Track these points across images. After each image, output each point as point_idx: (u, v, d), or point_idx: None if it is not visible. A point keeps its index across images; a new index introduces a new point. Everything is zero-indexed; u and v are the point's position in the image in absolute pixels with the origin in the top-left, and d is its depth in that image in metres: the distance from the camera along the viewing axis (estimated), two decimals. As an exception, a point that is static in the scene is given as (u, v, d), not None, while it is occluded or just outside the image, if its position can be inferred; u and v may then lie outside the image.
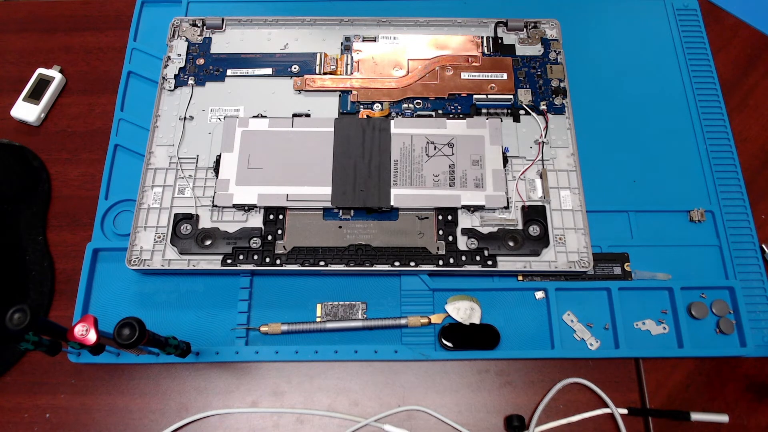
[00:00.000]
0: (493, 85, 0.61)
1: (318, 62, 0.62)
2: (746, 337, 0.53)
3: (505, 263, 0.54)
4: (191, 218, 0.55)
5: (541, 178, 0.57)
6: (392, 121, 0.58)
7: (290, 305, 0.55)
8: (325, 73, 0.62)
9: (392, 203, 0.55)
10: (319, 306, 0.55)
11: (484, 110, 0.60)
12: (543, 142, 0.58)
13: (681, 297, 0.55)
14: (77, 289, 0.55)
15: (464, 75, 0.62)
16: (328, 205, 0.55)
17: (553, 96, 0.61)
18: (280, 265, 0.54)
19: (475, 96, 0.61)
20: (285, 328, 0.53)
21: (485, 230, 0.55)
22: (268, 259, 0.54)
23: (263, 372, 0.53)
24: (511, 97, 0.60)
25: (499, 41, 0.64)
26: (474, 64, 0.62)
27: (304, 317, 0.54)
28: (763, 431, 0.52)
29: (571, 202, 0.56)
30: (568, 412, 0.52)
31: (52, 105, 0.65)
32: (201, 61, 0.62)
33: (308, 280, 0.56)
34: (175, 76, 0.61)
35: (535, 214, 0.56)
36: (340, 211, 0.56)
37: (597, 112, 0.63)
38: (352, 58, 0.63)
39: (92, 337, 0.40)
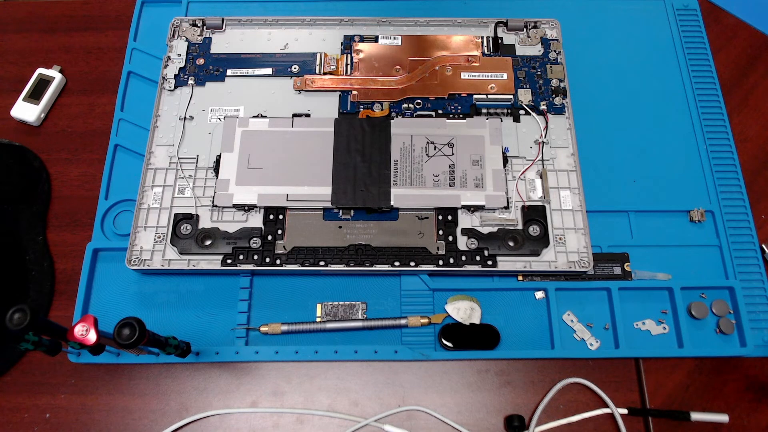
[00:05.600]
0: (493, 85, 0.61)
1: (318, 62, 0.62)
2: (746, 337, 0.53)
3: (505, 263, 0.54)
4: (191, 218, 0.55)
5: (541, 178, 0.57)
6: (392, 121, 0.58)
7: (290, 305, 0.55)
8: (325, 73, 0.62)
9: (392, 203, 0.55)
10: (319, 306, 0.55)
11: (484, 110, 0.60)
12: (543, 142, 0.58)
13: (681, 297, 0.55)
14: (77, 289, 0.55)
15: (464, 75, 0.62)
16: (328, 205, 0.55)
17: (553, 96, 0.61)
18: (280, 265, 0.54)
19: (475, 96, 0.61)
20: (285, 328, 0.53)
21: (485, 230, 0.55)
22: (268, 259, 0.54)
23: (263, 372, 0.53)
24: (511, 97, 0.60)
25: (499, 41, 0.64)
26: (474, 64, 0.62)
27: (304, 317, 0.54)
28: (763, 431, 0.52)
29: (571, 202, 0.56)
30: (568, 412, 0.52)
31: (52, 105, 0.65)
32: (201, 61, 0.62)
33: (308, 280, 0.56)
34: (175, 76, 0.61)
35: (535, 214, 0.56)
36: (340, 211, 0.56)
37: (597, 112, 0.63)
38: (352, 58, 0.63)
39: (92, 337, 0.40)
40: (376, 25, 0.65)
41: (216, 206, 0.56)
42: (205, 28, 0.64)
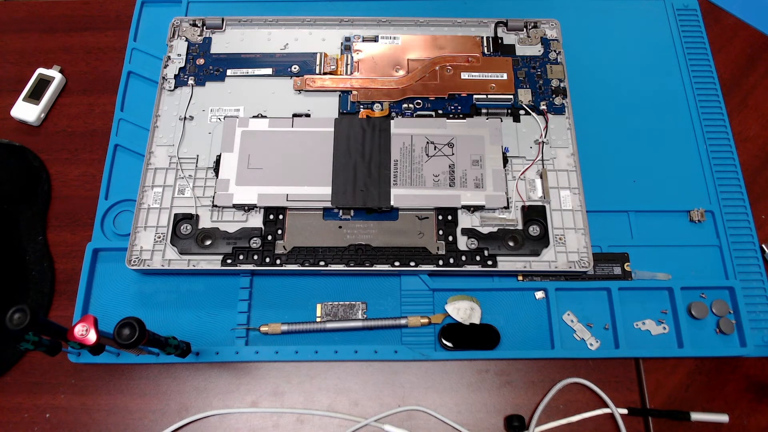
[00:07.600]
0: (493, 85, 0.61)
1: (318, 62, 0.62)
2: (746, 337, 0.53)
3: (505, 263, 0.54)
4: (191, 218, 0.55)
5: (541, 178, 0.57)
6: (392, 121, 0.58)
7: (290, 305, 0.55)
8: (325, 73, 0.62)
9: (392, 203, 0.55)
10: (319, 306, 0.55)
11: (484, 110, 0.60)
12: (543, 142, 0.58)
13: (681, 297, 0.55)
14: (77, 289, 0.55)
15: (464, 75, 0.62)
16: (328, 205, 0.55)
17: (553, 96, 0.61)
18: (280, 265, 0.54)
19: (475, 96, 0.61)
20: (285, 328, 0.53)
21: (485, 230, 0.55)
22: (268, 259, 0.54)
23: (263, 372, 0.53)
24: (511, 97, 0.60)
25: (499, 41, 0.64)
26: (474, 64, 0.62)
27: (304, 317, 0.54)
28: (763, 431, 0.52)
29: (571, 202, 0.56)
30: (568, 412, 0.52)
31: (52, 105, 0.65)
32: (201, 61, 0.62)
33: (308, 280, 0.56)
34: (175, 76, 0.61)
35: (535, 214, 0.56)
36: (340, 211, 0.56)
37: (597, 112, 0.63)
38: (352, 58, 0.63)
39: (92, 337, 0.40)
40: (376, 25, 0.65)
41: (216, 206, 0.56)
42: (205, 28, 0.64)
